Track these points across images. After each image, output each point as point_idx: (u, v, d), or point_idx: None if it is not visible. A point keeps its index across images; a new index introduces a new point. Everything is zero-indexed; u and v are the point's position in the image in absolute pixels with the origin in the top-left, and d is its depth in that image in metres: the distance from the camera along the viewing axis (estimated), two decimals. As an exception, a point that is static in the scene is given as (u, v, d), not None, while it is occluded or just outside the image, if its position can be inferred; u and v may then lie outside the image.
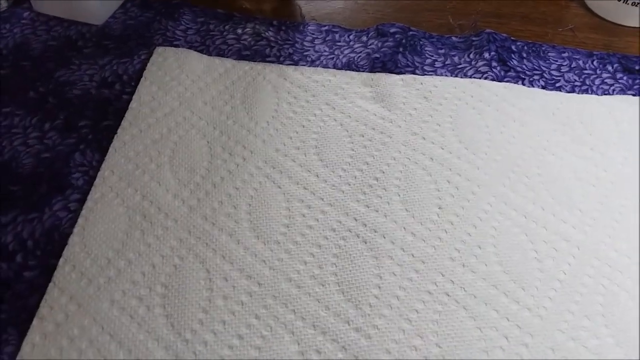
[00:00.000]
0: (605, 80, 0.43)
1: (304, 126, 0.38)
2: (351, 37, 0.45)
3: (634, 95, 0.42)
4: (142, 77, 0.40)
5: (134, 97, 0.39)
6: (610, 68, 0.44)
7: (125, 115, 0.38)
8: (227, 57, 0.43)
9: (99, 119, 0.38)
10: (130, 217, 0.33)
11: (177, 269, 0.31)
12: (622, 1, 0.47)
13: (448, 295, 0.31)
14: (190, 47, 0.43)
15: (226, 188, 0.35)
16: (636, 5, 0.47)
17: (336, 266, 0.32)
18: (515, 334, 0.30)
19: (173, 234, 0.32)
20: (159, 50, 0.42)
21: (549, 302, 0.31)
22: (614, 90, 0.43)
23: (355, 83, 0.41)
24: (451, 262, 0.32)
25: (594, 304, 0.31)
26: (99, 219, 0.32)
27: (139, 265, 0.31)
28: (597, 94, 0.42)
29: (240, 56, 0.43)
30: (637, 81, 0.43)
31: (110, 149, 0.36)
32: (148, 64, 0.41)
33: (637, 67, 0.44)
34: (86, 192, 0.34)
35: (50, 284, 0.30)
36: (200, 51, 0.43)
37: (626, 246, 0.33)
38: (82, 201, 0.34)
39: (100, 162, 0.35)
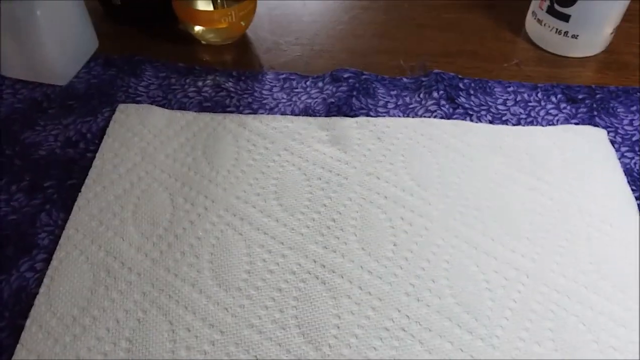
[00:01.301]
0: (550, 111, 0.46)
1: (263, 172, 0.40)
2: (308, 83, 0.48)
3: (577, 123, 0.44)
4: (105, 134, 0.42)
5: (97, 154, 0.40)
6: (554, 99, 0.47)
7: (89, 173, 0.39)
8: (189, 109, 0.45)
9: (64, 178, 0.39)
10: (94, 273, 0.34)
11: (141, 323, 0.32)
12: (562, 34, 0.50)
13: (404, 330, 0.32)
14: (152, 102, 0.45)
15: (188, 238, 0.36)
16: (576, 38, 0.50)
17: (297, 309, 0.33)
18: (469, 364, 0.31)
19: (137, 287, 0.33)
20: (121, 107, 0.44)
21: (500, 330, 0.32)
22: (558, 120, 0.45)
23: (312, 128, 0.43)
24: (406, 297, 0.33)
25: (544, 329, 0.32)
26: (64, 277, 0.33)
27: (104, 321, 0.32)
28: (542, 125, 0.44)
29: (201, 108, 0.45)
30: (580, 110, 0.46)
31: (75, 208, 0.37)
32: (111, 122, 0.43)
33: (579, 97, 0.47)
34: (52, 251, 0.35)
35: (18, 345, 0.31)
36: (163, 105, 0.45)
37: (573, 271, 0.35)
38: (48, 261, 0.35)
39: (66, 220, 0.37)
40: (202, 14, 0.48)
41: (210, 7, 0.48)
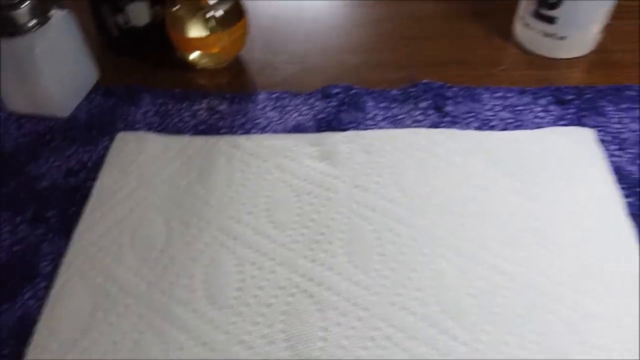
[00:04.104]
0: (538, 114, 0.46)
1: (255, 191, 0.41)
2: (299, 101, 0.49)
3: (565, 125, 0.45)
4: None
5: (96, 183, 0.42)
6: (543, 102, 0.47)
7: (88, 201, 0.41)
8: (185, 133, 0.46)
9: (66, 207, 0.41)
10: (94, 298, 0.35)
11: (137, 345, 0.33)
12: (550, 37, 0.50)
13: (390, 339, 0.33)
14: (149, 129, 0.47)
15: (183, 260, 0.37)
16: (563, 39, 0.50)
17: (285, 323, 0.34)
18: (454, 370, 0.31)
19: (133, 310, 0.35)
20: (120, 135, 0.46)
21: (485, 335, 0.33)
22: (547, 122, 0.45)
23: (302, 144, 0.44)
24: (392, 307, 0.34)
25: (530, 333, 0.33)
26: (65, 303, 0.35)
27: (103, 343, 0.33)
28: (530, 129, 0.45)
29: (196, 131, 0.47)
30: (569, 111, 0.46)
31: (75, 235, 0.39)
32: (109, 150, 0.44)
33: (568, 97, 0.47)
34: (54, 279, 0.37)
35: (21, 370, 0.32)
36: (160, 131, 0.47)
37: (560, 274, 0.35)
38: (50, 288, 0.36)
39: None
40: (195, 41, 0.50)
41: (203, 34, 0.50)
